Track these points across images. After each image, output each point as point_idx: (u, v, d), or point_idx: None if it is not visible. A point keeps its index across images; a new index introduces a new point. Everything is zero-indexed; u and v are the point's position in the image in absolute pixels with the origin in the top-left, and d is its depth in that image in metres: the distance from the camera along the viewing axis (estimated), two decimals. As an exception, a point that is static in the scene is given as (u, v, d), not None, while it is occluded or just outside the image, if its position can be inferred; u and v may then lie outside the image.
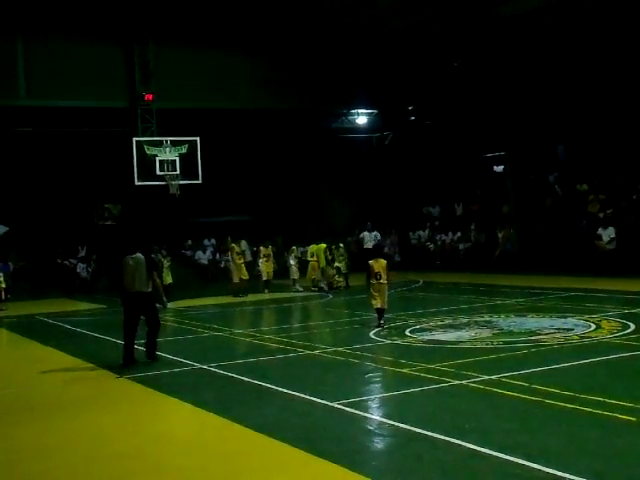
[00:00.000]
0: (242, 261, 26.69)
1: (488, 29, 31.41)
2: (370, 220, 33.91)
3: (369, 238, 30.37)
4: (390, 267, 16.56)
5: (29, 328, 20.72)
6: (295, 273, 27.67)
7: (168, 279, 26.68)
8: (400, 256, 35.89)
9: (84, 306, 26.68)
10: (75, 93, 32.09)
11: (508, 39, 30.87)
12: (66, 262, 33.02)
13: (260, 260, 27.65)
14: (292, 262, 27.75)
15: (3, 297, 26.39)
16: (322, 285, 26.69)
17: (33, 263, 32.59)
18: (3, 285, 26.40)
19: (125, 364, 13.21)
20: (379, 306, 16.27)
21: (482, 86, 33.28)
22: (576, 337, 13.48)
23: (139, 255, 13.69)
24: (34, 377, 13.37)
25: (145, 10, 32.71)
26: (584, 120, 29.72)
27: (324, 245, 26.97)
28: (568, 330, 14.28)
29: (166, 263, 27.15)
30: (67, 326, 20.55)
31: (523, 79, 31.35)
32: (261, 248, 27.88)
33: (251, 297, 25.74)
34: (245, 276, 26.48)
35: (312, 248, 27.43)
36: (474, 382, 10.24)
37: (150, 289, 13.63)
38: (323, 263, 26.65)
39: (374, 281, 16.24)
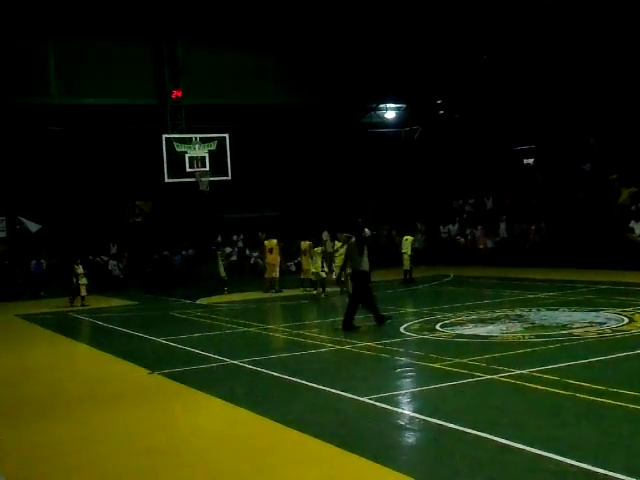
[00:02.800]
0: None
1: (517, 21, 31.19)
2: (402, 214, 33.78)
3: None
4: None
5: (62, 324, 20.95)
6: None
7: (84, 280, 26.36)
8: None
9: (116, 302, 26.89)
10: (105, 91, 32.40)
11: (537, 30, 30.63)
12: (98, 259, 33.30)
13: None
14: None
15: (84, 293, 25.65)
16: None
17: (65, 260, 32.87)
18: (83, 282, 25.67)
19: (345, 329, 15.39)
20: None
21: (511, 79, 33.05)
22: (609, 331, 13.36)
23: (353, 239, 16.20)
24: (67, 373, 13.53)
25: (173, 8, 32.89)
26: (616, 111, 29.40)
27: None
28: (600, 324, 14.15)
29: (223, 257, 28.12)
30: (99, 322, 20.75)
31: (553, 71, 31.10)
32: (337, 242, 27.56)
33: (284, 293, 25.72)
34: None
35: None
36: (505, 376, 10.19)
37: (364, 268, 15.57)
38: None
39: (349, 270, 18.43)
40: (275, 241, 26.64)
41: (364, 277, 15.62)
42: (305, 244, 25.77)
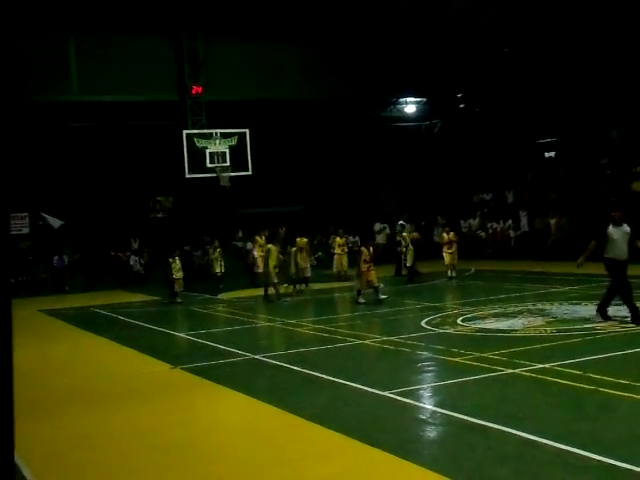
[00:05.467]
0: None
1: (538, 13, 31.00)
2: (412, 209, 33.67)
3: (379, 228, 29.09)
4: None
5: (84, 320, 21.08)
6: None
7: (217, 269, 27.10)
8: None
9: (138, 298, 27.04)
10: (126, 88, 32.56)
11: (558, 23, 30.42)
12: (120, 254, 33.49)
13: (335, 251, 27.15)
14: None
15: (177, 289, 24.11)
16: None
17: (87, 256, 33.13)
18: (177, 276, 24.02)
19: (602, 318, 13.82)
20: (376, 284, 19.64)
21: (533, 71, 32.86)
22: (631, 325, 13.28)
23: (625, 226, 14.18)
24: (89, 368, 13.62)
25: (193, 3, 32.95)
26: (637, 104, 29.15)
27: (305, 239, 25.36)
28: (623, 318, 14.06)
29: (214, 254, 27.51)
30: (121, 317, 20.87)
31: (575, 63, 30.87)
32: (337, 239, 27.31)
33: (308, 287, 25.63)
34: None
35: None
36: (527, 371, 10.15)
37: (620, 256, 14.03)
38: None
39: (364, 265, 19.34)
40: (306, 240, 25.53)
41: (621, 266, 13.98)
42: (302, 241, 25.41)
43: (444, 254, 25.40)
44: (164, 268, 24.52)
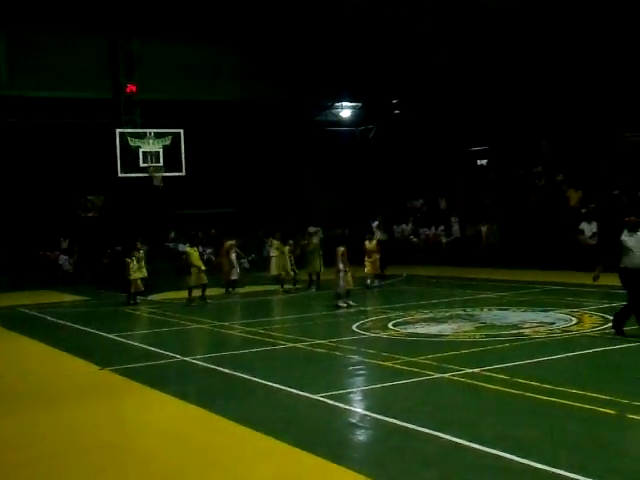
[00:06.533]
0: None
1: (473, 23, 31.49)
2: (357, 213, 33.88)
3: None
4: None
5: (10, 320, 20.58)
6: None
7: (137, 274, 23.68)
8: None
9: (67, 298, 26.55)
10: (58, 84, 31.90)
11: (493, 33, 30.93)
12: (48, 253, 32.84)
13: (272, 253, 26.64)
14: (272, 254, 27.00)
15: (133, 290, 22.92)
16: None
17: (13, 254, 32.36)
18: (134, 276, 22.83)
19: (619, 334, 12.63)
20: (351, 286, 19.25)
21: (466, 80, 33.36)
22: (558, 331, 13.58)
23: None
24: (14, 369, 13.34)
25: (129, 3, 32.53)
26: (568, 114, 29.82)
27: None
28: (550, 324, 14.37)
29: (139, 256, 24.22)
30: (49, 318, 20.46)
31: (507, 73, 31.45)
32: (274, 241, 26.31)
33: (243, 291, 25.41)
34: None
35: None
36: (456, 375, 10.30)
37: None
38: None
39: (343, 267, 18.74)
40: (230, 242, 25.17)
41: (638, 277, 12.45)
42: (227, 244, 25.21)
43: (365, 262, 23.87)
44: (93, 267, 23.80)
